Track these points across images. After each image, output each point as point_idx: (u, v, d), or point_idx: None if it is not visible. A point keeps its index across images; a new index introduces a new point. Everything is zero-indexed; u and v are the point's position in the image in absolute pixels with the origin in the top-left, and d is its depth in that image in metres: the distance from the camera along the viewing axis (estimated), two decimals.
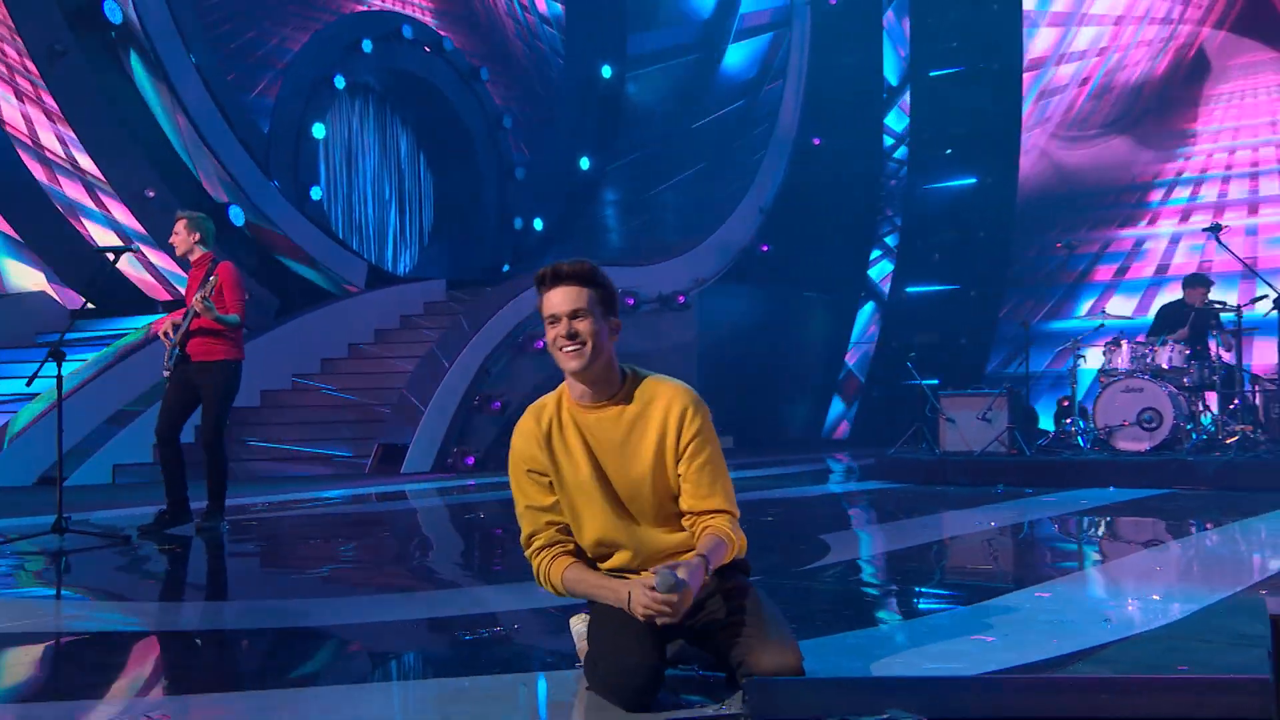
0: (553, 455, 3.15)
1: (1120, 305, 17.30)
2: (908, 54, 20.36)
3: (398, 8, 18.62)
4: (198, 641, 4.31)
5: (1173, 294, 16.52)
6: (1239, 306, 10.01)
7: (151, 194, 14.37)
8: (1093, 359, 11.19)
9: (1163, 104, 17.98)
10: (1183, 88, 17.84)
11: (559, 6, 20.12)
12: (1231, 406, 10.04)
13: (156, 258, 14.36)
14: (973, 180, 19.35)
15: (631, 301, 15.28)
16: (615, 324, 3.10)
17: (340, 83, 17.18)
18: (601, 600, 3.08)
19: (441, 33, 18.59)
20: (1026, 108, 18.88)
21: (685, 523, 3.16)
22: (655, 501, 3.14)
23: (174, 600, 5.31)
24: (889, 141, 20.36)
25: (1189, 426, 9.69)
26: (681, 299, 15.72)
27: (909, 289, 19.60)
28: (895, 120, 20.41)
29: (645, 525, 3.17)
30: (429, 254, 18.75)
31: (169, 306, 15.04)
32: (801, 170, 18.10)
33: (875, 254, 20.15)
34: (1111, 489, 9.19)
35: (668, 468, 3.12)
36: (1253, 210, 17.17)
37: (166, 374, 6.88)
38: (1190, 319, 10.29)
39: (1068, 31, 18.81)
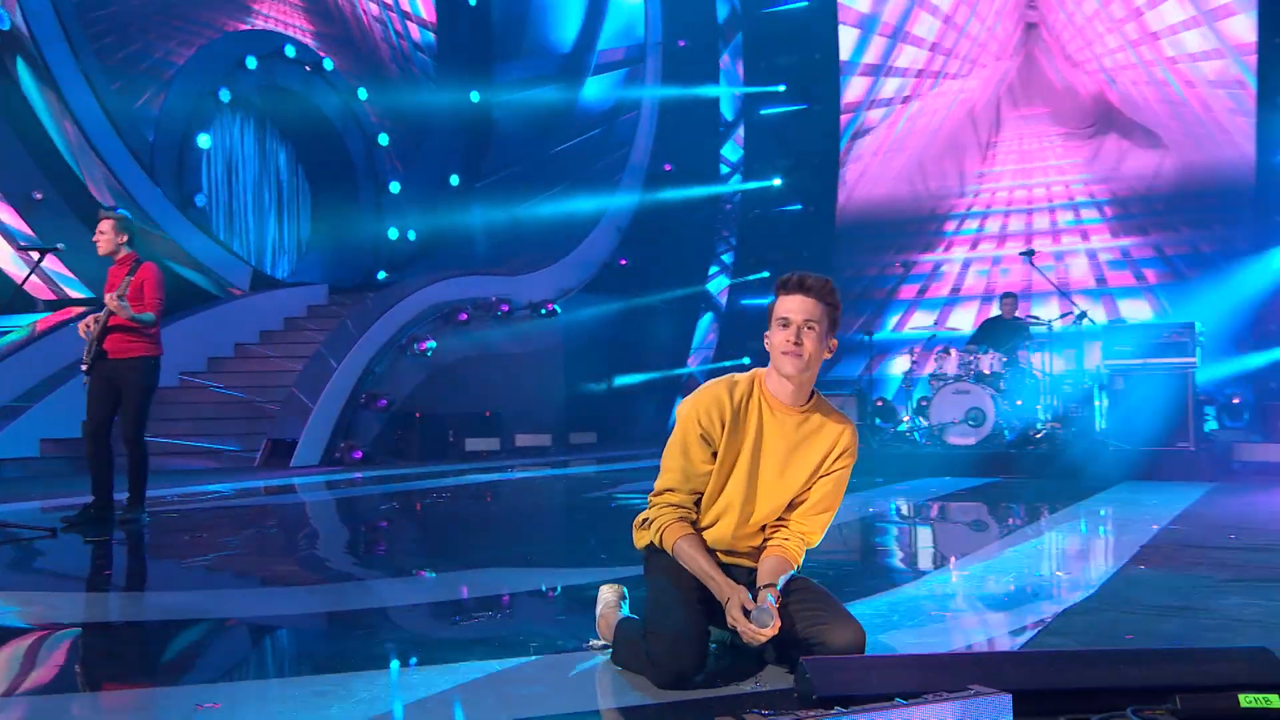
0: (730, 428, 3.08)
1: (922, 319, 18.06)
2: (741, 93, 20.67)
3: (281, 29, 17.80)
4: (120, 633, 4.03)
5: (967, 310, 17.36)
6: (1049, 321, 10.49)
7: (39, 196, 13.33)
8: (906, 364, 11.53)
9: (957, 147, 18.73)
10: (974, 133, 18.63)
11: (431, 35, 19.60)
12: (1039, 406, 10.48)
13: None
14: (798, 207, 19.80)
15: (506, 308, 15.07)
16: (833, 344, 3.09)
17: (225, 96, 16.36)
18: (707, 581, 3.02)
19: (322, 54, 17.89)
20: (843, 145, 19.41)
21: (775, 520, 3.18)
22: (782, 507, 3.16)
23: (101, 592, 4.85)
24: (725, 170, 20.62)
25: (1006, 423, 10.07)
26: (550, 307, 15.53)
27: (743, 301, 19.86)
28: (731, 151, 20.70)
29: (757, 520, 3.15)
30: (307, 260, 18.04)
31: (51, 306, 13.98)
32: (654, 193, 18.13)
33: (714, 270, 20.37)
34: (947, 477, 9.45)
35: (811, 484, 3.15)
36: (1028, 240, 18.04)
37: (85, 369, 6.39)
38: (1005, 329, 10.70)
39: (876, 81, 19.40)
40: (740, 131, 20.76)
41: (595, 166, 18.21)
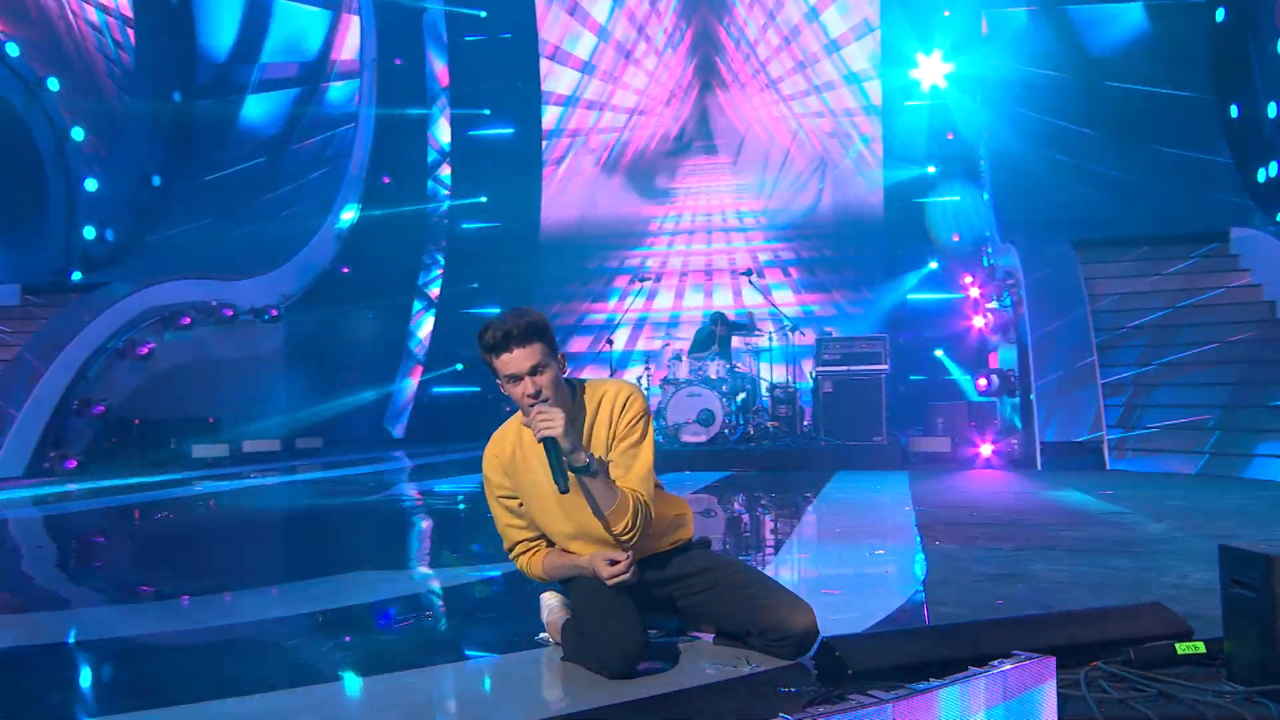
0: (515, 476, 3.06)
1: (619, 336, 18.59)
2: (449, 114, 20.30)
3: None
4: None
5: (654, 334, 17.96)
6: (766, 331, 11.14)
7: None
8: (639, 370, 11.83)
9: (646, 177, 19.46)
10: (667, 159, 19.44)
11: (130, 33, 17.53)
12: (754, 408, 11.10)
13: None
14: (504, 224, 19.71)
15: (230, 313, 13.77)
16: (562, 359, 2.97)
17: None
18: (581, 573, 3.02)
19: (3, 39, 15.42)
20: (544, 167, 19.60)
21: None
22: None
23: None
24: (434, 185, 20.14)
25: (731, 422, 10.58)
26: (274, 312, 14.38)
27: (453, 312, 19.44)
28: (441, 168, 20.25)
29: (597, 529, 2.99)
30: None
31: None
32: (374, 203, 17.35)
33: (425, 281, 19.81)
34: (687, 472, 9.76)
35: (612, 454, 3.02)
36: (706, 263, 19.10)
37: None
38: (718, 340, 11.22)
39: (571, 110, 19.78)
40: (450, 150, 20.37)
41: (314, 175, 17.13)
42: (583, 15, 19.65)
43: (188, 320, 13.14)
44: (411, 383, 18.89)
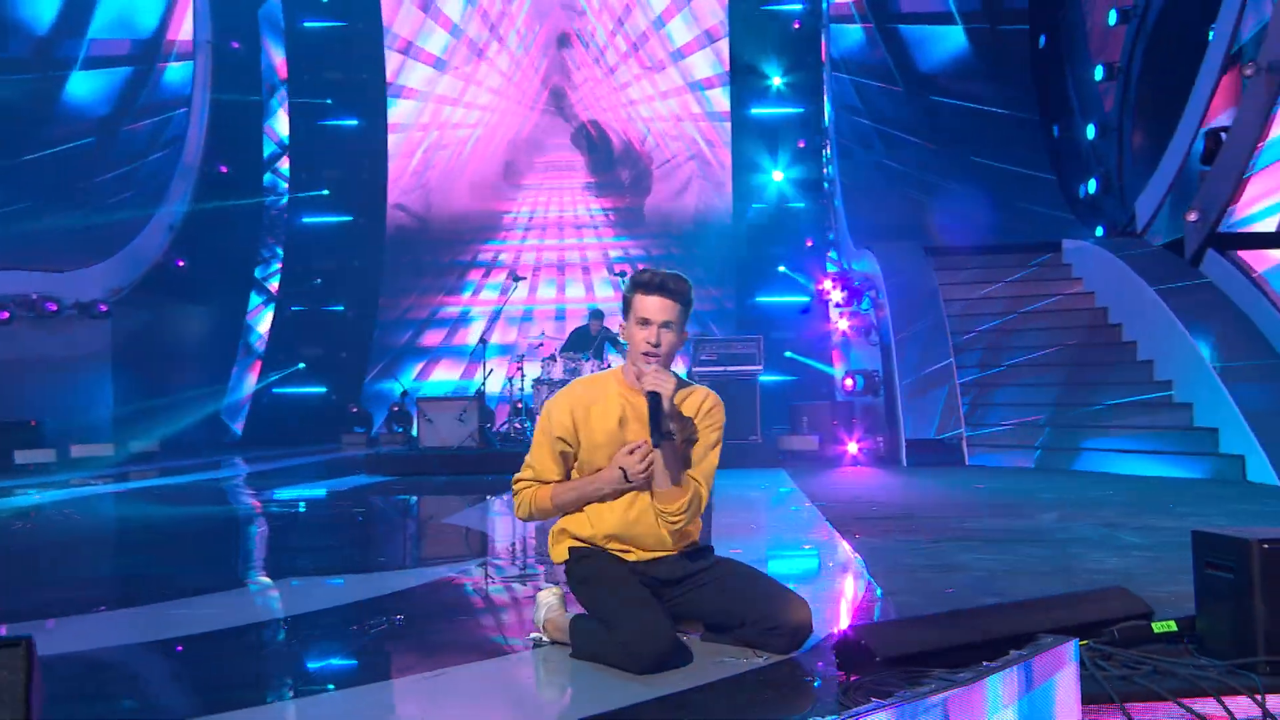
0: (584, 425, 3.07)
1: (469, 332, 18.35)
2: (288, 103, 19.42)
3: None
4: None
5: (509, 326, 17.91)
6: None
7: None
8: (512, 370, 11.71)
9: (500, 175, 19.25)
10: (516, 162, 19.27)
11: None
12: None
13: None
14: (349, 218, 19.03)
15: (53, 307, 12.69)
16: (684, 335, 3.11)
17: None
18: (594, 493, 3.06)
19: None
20: (391, 161, 19.08)
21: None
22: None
23: None
24: (272, 177, 19.23)
25: None
26: (102, 307, 13.36)
27: (294, 308, 18.63)
28: (279, 159, 19.35)
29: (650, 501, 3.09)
30: None
31: None
32: (210, 193, 16.38)
33: (262, 275, 18.86)
34: None
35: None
36: (559, 261, 19.10)
37: None
38: (595, 340, 11.26)
39: (421, 106, 19.34)
40: (288, 140, 19.47)
41: (147, 161, 15.99)
42: (435, 11, 19.23)
43: (5, 315, 12.05)
44: (250, 382, 17.96)
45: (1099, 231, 14.01)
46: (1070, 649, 2.60)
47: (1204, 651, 2.96)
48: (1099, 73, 14.06)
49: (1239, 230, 9.82)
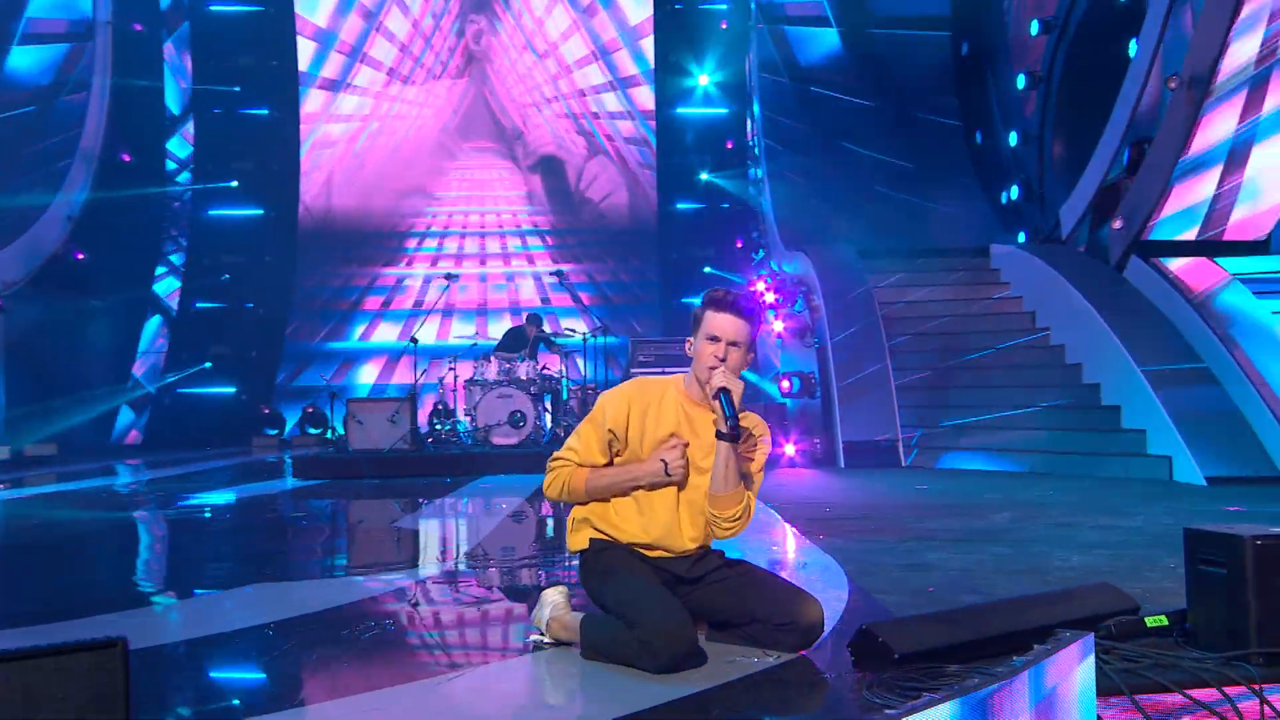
0: (639, 421, 3.12)
1: (388, 331, 18.09)
2: (189, 86, 18.80)
3: None
4: None
5: (431, 324, 17.80)
6: (584, 334, 11.20)
7: None
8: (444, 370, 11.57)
9: (415, 169, 19.00)
10: (431, 157, 19.05)
11: None
12: (564, 408, 11.16)
13: None
14: (259, 211, 18.53)
15: None
16: (750, 357, 3.18)
17: None
18: (630, 483, 3.11)
19: None
20: (304, 154, 18.65)
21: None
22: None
23: None
24: (172, 166, 18.61)
25: (544, 424, 10.60)
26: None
27: (198, 305, 18.05)
28: (179, 147, 18.74)
29: (684, 501, 3.15)
30: None
31: None
32: (111, 182, 15.75)
33: (161, 270, 18.22)
34: (504, 475, 9.67)
35: None
36: (482, 262, 18.95)
37: None
38: (530, 342, 11.24)
39: (336, 96, 18.98)
40: (190, 128, 18.85)
41: (37, 147, 15.28)
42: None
43: None
44: (152, 381, 17.33)
45: (1021, 237, 14.56)
46: (1088, 642, 2.71)
47: (1195, 645, 3.11)
48: (1021, 81, 14.61)
49: (1163, 240, 10.32)
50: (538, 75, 19.17)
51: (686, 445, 3.09)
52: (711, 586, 3.18)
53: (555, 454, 3.23)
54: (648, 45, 18.94)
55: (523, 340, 11.35)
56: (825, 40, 17.20)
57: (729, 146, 17.88)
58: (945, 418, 10.50)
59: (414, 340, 10.93)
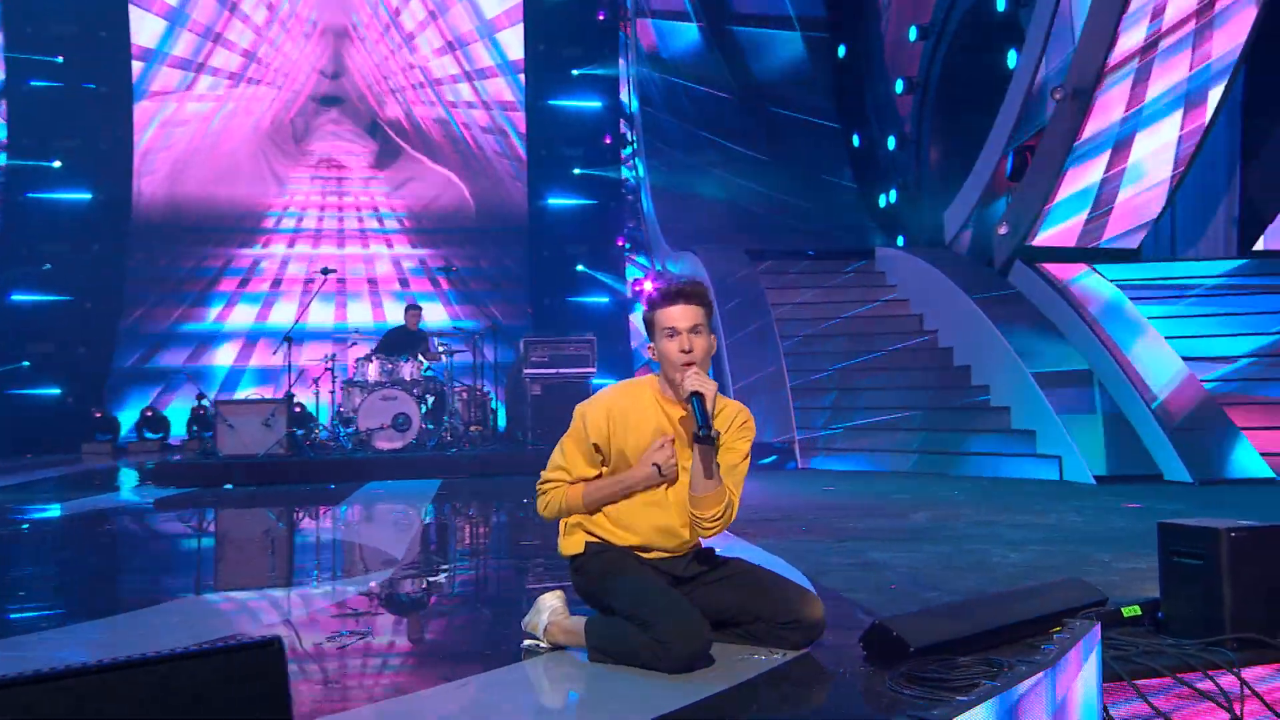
0: (618, 429, 3.17)
1: (245, 314, 17.47)
2: (6, 58, 17.58)
3: None
4: None
5: (289, 304, 17.24)
6: (451, 350, 11.01)
7: None
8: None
9: (271, 151, 18.38)
10: (288, 140, 18.45)
11: None
12: (449, 411, 11.00)
13: None
14: (88, 195, 17.47)
15: None
16: (713, 339, 3.22)
17: None
18: (625, 490, 3.17)
19: None
20: (149, 135, 17.73)
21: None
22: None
23: None
24: None
25: (429, 427, 10.45)
26: None
27: (15, 296, 16.88)
28: None
29: (674, 500, 3.21)
30: None
31: None
32: None
33: None
34: (389, 480, 9.49)
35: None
36: (340, 244, 18.46)
37: None
38: (417, 336, 11.03)
39: (187, 74, 18.15)
40: (5, 102, 17.59)
41: None
42: None
43: None
44: None
45: (899, 241, 15.23)
46: (1096, 631, 2.93)
47: (1169, 633, 3.39)
48: (899, 86, 15.30)
49: (1046, 247, 11.01)
50: (393, 64, 18.82)
51: (673, 440, 3.16)
52: (710, 585, 3.24)
53: (544, 475, 3.26)
54: (508, 37, 18.82)
55: (407, 337, 11.13)
56: (692, 37, 17.57)
57: (607, 141, 17.96)
58: (839, 419, 10.90)
59: (287, 339, 10.56)
